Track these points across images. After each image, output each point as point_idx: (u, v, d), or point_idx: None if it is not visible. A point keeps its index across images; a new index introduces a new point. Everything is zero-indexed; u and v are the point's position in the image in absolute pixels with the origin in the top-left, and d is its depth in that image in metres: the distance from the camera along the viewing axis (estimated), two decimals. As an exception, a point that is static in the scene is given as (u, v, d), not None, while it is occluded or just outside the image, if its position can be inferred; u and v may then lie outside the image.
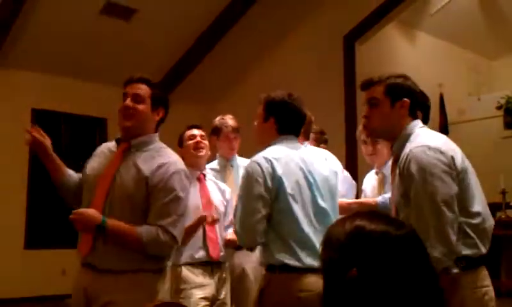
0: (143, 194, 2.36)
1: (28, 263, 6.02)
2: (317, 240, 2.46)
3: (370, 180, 3.66)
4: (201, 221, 3.16)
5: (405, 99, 2.24)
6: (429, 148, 2.09)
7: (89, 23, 5.96)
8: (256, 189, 2.40)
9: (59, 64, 6.22)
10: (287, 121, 2.59)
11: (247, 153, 4.07)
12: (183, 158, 3.40)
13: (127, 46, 6.35)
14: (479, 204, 2.13)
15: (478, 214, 2.11)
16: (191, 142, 3.40)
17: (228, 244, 3.35)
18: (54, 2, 5.57)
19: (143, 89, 2.52)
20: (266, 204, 2.41)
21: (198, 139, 3.40)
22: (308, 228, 2.46)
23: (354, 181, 3.91)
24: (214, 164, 3.80)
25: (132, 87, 2.53)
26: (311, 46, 6.60)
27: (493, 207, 6.23)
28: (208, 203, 3.35)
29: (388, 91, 2.28)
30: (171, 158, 2.47)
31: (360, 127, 3.55)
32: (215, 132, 3.78)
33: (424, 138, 2.16)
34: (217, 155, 3.85)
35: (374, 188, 3.54)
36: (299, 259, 2.41)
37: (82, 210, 2.33)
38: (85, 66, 6.23)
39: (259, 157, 2.46)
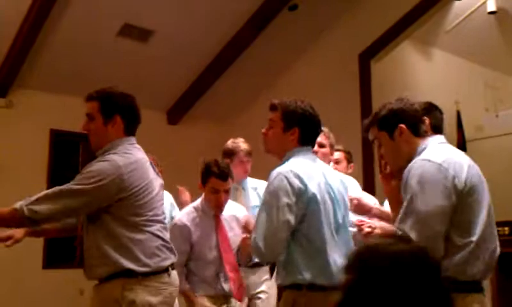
0: None
1: (47, 283, 6.04)
2: (338, 256, 2.42)
3: None
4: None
5: (401, 125, 2.23)
6: (429, 161, 2.09)
7: (107, 45, 6.04)
8: (285, 204, 2.33)
9: (77, 85, 6.28)
10: (311, 133, 2.56)
11: (260, 171, 4.08)
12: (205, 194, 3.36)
13: (144, 67, 6.42)
14: (479, 227, 2.07)
15: (473, 236, 2.05)
16: (212, 196, 3.28)
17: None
18: (72, 25, 5.65)
19: (92, 107, 2.62)
20: (292, 220, 2.35)
21: (222, 198, 3.28)
22: (333, 243, 2.42)
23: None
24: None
25: (86, 107, 2.64)
26: (326, 65, 6.61)
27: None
28: (224, 239, 3.32)
29: (381, 126, 2.29)
30: (107, 157, 2.50)
31: None
32: (228, 155, 3.74)
33: (428, 153, 2.15)
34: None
35: None
36: (329, 277, 2.36)
37: None
38: (103, 86, 6.29)
39: (287, 171, 2.39)
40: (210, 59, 6.65)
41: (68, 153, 6.55)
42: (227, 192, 3.29)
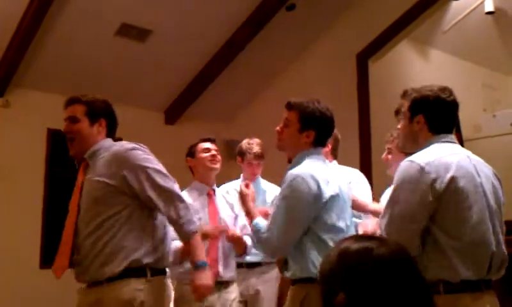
0: (108, 189, 2.45)
1: (44, 283, 6.01)
2: None
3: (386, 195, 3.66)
4: (208, 236, 3.14)
5: (420, 115, 2.25)
6: (413, 162, 2.11)
7: (105, 44, 6.03)
8: (302, 206, 2.41)
9: (75, 85, 6.28)
10: (325, 136, 2.61)
11: (266, 171, 4.08)
12: (193, 170, 3.41)
13: (142, 66, 6.41)
14: (469, 229, 2.06)
15: (460, 238, 2.05)
16: (206, 154, 3.37)
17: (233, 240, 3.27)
18: (70, 24, 5.65)
19: (77, 109, 2.62)
20: (307, 222, 2.43)
21: (214, 152, 3.38)
22: None
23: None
24: (237, 184, 3.82)
25: (67, 111, 2.65)
26: (324, 65, 6.62)
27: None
28: (215, 221, 3.33)
29: (411, 106, 2.29)
30: (120, 147, 2.55)
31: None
32: (240, 155, 3.81)
33: (420, 153, 2.18)
34: (242, 175, 3.86)
35: None
36: None
37: (199, 283, 2.48)
38: (100, 86, 6.29)
39: (305, 173, 2.45)
40: (208, 58, 6.65)
41: (65, 152, 6.54)
42: (218, 152, 3.41)
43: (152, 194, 2.43)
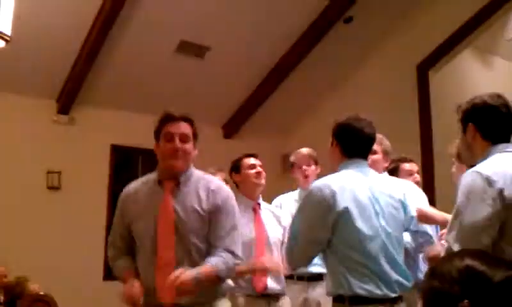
0: (203, 222, 2.46)
1: (107, 294, 6.14)
2: (386, 267, 2.38)
3: None
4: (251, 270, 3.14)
5: (469, 123, 2.19)
6: (478, 173, 2.03)
7: (165, 62, 6.17)
8: (316, 215, 2.39)
9: (136, 101, 6.46)
10: (351, 144, 2.57)
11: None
12: (238, 185, 3.45)
13: (200, 82, 6.51)
14: None
15: None
16: (252, 171, 3.42)
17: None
18: (131, 43, 5.81)
19: (189, 128, 2.56)
20: (321, 232, 2.39)
21: (259, 169, 3.42)
22: (377, 255, 2.37)
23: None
24: (295, 195, 3.86)
25: (177, 126, 2.55)
26: (384, 76, 6.53)
27: None
28: (261, 235, 3.32)
29: (462, 117, 2.24)
30: (217, 183, 2.59)
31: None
32: (292, 165, 3.89)
33: (483, 163, 2.10)
34: (298, 187, 3.89)
35: None
36: (372, 288, 2.32)
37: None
38: (161, 103, 6.42)
39: (323, 184, 2.44)
40: (266, 72, 6.69)
41: (127, 168, 6.70)
42: (262, 167, 3.46)
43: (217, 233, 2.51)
